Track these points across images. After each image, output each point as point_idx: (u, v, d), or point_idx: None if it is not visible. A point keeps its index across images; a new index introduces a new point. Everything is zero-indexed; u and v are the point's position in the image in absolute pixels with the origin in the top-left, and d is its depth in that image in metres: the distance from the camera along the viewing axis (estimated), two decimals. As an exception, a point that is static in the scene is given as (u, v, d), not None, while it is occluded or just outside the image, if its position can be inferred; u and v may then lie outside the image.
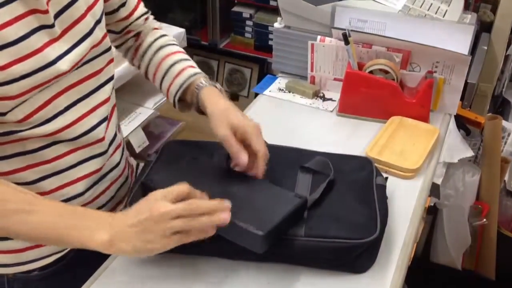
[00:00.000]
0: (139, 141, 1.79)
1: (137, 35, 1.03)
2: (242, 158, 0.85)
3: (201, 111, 0.96)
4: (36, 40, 0.74)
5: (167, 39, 1.03)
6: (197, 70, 0.98)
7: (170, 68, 0.98)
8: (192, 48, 2.56)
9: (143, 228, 0.71)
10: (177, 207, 0.71)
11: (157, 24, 1.05)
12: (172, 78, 0.97)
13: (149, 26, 1.04)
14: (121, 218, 0.74)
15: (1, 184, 0.77)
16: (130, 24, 1.00)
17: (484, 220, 1.66)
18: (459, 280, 1.80)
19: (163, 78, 0.99)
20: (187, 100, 0.98)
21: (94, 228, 0.73)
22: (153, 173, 0.93)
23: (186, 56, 1.01)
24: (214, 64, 2.65)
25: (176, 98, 0.97)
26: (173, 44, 1.03)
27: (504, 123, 1.73)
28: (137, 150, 1.76)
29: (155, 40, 1.02)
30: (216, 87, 0.96)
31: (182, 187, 0.74)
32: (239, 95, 2.63)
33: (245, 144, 0.88)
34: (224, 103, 0.91)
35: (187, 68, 0.97)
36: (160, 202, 0.71)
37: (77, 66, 0.82)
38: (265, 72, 2.53)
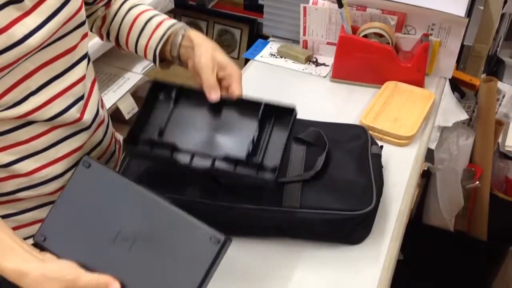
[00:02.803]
0: (129, 107, 1.75)
1: (108, 3, 0.98)
2: (213, 95, 0.84)
3: (181, 62, 0.93)
4: (2, 17, 0.69)
5: (134, 0, 1.00)
6: (175, 20, 0.95)
7: (146, 24, 0.94)
8: (179, 8, 2.48)
9: None
10: None
11: None
12: (151, 32, 0.93)
13: None
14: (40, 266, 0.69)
15: None
16: None
17: (477, 182, 1.66)
18: (451, 241, 1.82)
19: (139, 34, 0.95)
20: (166, 52, 0.94)
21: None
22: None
23: (158, 12, 0.98)
24: (203, 25, 2.59)
25: (158, 50, 0.93)
26: (142, 4, 1.00)
27: (499, 84, 1.71)
28: (127, 116, 1.73)
29: (123, 3, 0.98)
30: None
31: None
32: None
33: (224, 85, 0.87)
34: (213, 43, 0.90)
35: (165, 21, 0.95)
36: None
37: (47, 42, 0.77)
38: (255, 33, 2.47)
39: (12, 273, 0.67)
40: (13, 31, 0.70)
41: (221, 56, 0.88)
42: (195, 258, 0.67)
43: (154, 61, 0.95)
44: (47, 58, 0.79)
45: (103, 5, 0.98)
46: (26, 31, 0.72)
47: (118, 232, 0.71)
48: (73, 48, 0.83)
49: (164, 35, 0.92)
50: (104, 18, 0.99)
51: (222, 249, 0.67)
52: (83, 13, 0.84)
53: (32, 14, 0.73)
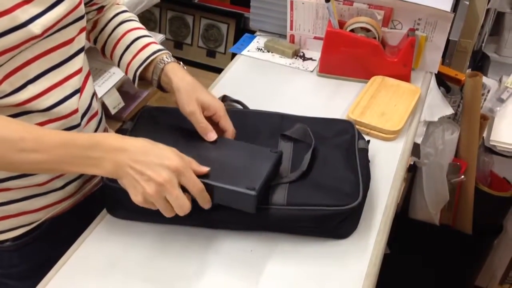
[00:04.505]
0: (114, 102, 1.74)
1: (101, 8, 0.99)
2: (210, 135, 0.88)
3: (161, 87, 0.95)
4: (6, 0, 0.71)
5: (128, 14, 1.01)
6: (161, 46, 0.97)
7: (133, 43, 0.96)
8: (166, 3, 2.47)
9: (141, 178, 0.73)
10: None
11: (120, 0, 1.04)
12: (135, 52, 0.95)
13: (112, 0, 1.02)
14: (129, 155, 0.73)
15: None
16: None
17: (463, 176, 1.67)
18: (437, 235, 1.83)
19: (124, 52, 0.97)
20: (147, 76, 0.96)
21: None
22: None
23: (148, 33, 1.00)
24: (190, 19, 2.57)
25: (138, 72, 0.95)
26: (135, 20, 1.01)
27: (484, 79, 1.72)
28: (113, 111, 1.72)
29: (116, 15, 1.00)
30: (180, 63, 0.95)
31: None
32: (216, 51, 2.57)
33: (212, 122, 0.89)
34: (191, 79, 0.91)
35: (151, 44, 0.96)
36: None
37: (49, 32, 0.79)
38: (242, 28, 2.47)
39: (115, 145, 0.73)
40: (16, 14, 0.72)
41: (203, 96, 0.89)
42: (261, 162, 0.84)
43: (134, 81, 0.96)
44: (45, 49, 0.80)
45: (96, 10, 0.98)
46: (29, 16, 0.74)
47: (196, 154, 0.81)
48: (71, 40, 0.85)
49: (147, 58, 0.94)
50: (94, 24, 1.00)
51: (279, 157, 0.87)
52: (82, 8, 0.85)
53: (33, 2, 0.75)
